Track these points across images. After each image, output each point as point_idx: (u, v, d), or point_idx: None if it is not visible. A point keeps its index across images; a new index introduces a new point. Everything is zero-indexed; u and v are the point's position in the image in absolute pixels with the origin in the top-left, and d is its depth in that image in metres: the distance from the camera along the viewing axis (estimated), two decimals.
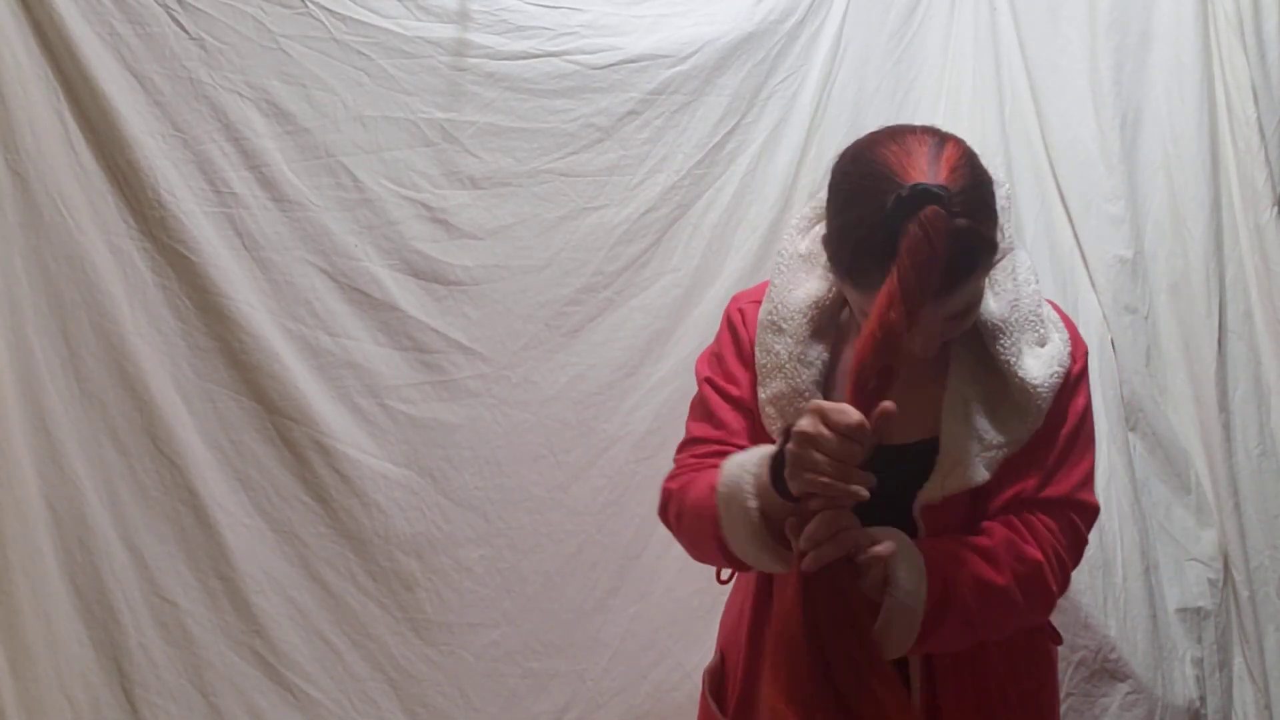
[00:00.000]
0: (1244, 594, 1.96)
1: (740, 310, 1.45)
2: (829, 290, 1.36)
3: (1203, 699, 1.93)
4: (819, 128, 1.97)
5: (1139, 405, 1.94)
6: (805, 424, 1.13)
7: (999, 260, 1.23)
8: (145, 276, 1.72)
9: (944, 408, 1.29)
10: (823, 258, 1.35)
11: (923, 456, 1.30)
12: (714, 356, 1.47)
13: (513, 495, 1.85)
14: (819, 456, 1.12)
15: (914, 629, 1.22)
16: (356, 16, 1.79)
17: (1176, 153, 2.02)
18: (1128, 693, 1.85)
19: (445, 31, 1.83)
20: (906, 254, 1.09)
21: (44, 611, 1.64)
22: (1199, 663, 1.94)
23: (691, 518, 1.36)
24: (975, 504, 1.31)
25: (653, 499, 1.88)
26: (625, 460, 1.89)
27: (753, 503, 1.24)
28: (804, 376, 1.32)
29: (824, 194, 1.28)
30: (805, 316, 1.35)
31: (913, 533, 1.29)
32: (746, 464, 1.27)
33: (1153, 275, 2.02)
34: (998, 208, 1.21)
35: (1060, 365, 1.30)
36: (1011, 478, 1.30)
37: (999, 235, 1.21)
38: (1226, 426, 1.98)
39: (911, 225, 1.09)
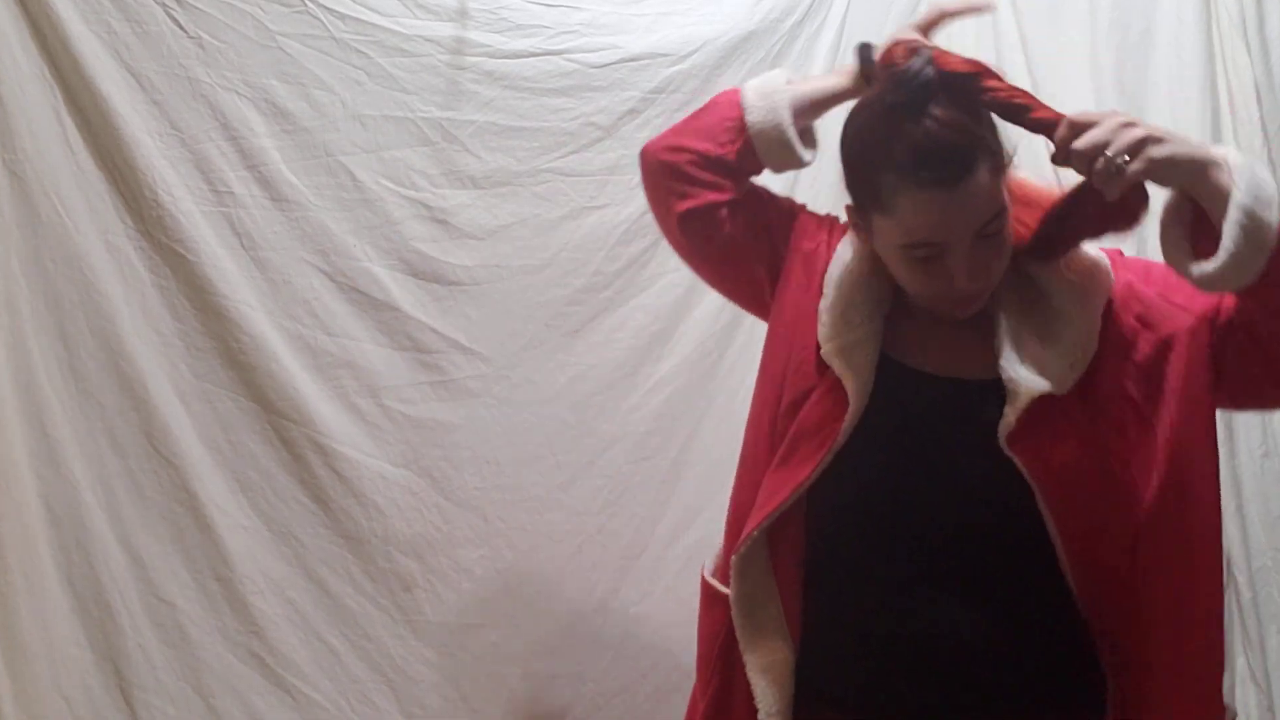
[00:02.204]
0: (1247, 596, 1.96)
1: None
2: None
3: None
4: (818, 128, 1.96)
5: None
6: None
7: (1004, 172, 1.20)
8: (143, 276, 1.72)
9: (999, 338, 1.25)
10: None
11: (991, 394, 1.23)
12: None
13: (512, 495, 1.85)
14: None
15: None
16: (355, 15, 1.79)
17: None
18: None
19: (445, 30, 1.83)
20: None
21: (41, 613, 1.63)
22: None
23: (696, 115, 1.37)
24: (1089, 430, 1.21)
25: (653, 499, 1.89)
26: (625, 460, 1.88)
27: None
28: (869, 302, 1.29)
29: None
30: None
31: (1011, 477, 1.19)
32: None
33: None
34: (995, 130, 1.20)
35: (1102, 269, 1.25)
36: (1115, 374, 1.22)
37: (997, 144, 1.19)
38: (1229, 428, 1.97)
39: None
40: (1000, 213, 1.18)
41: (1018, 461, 1.19)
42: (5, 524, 1.62)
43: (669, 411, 1.89)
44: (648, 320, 1.89)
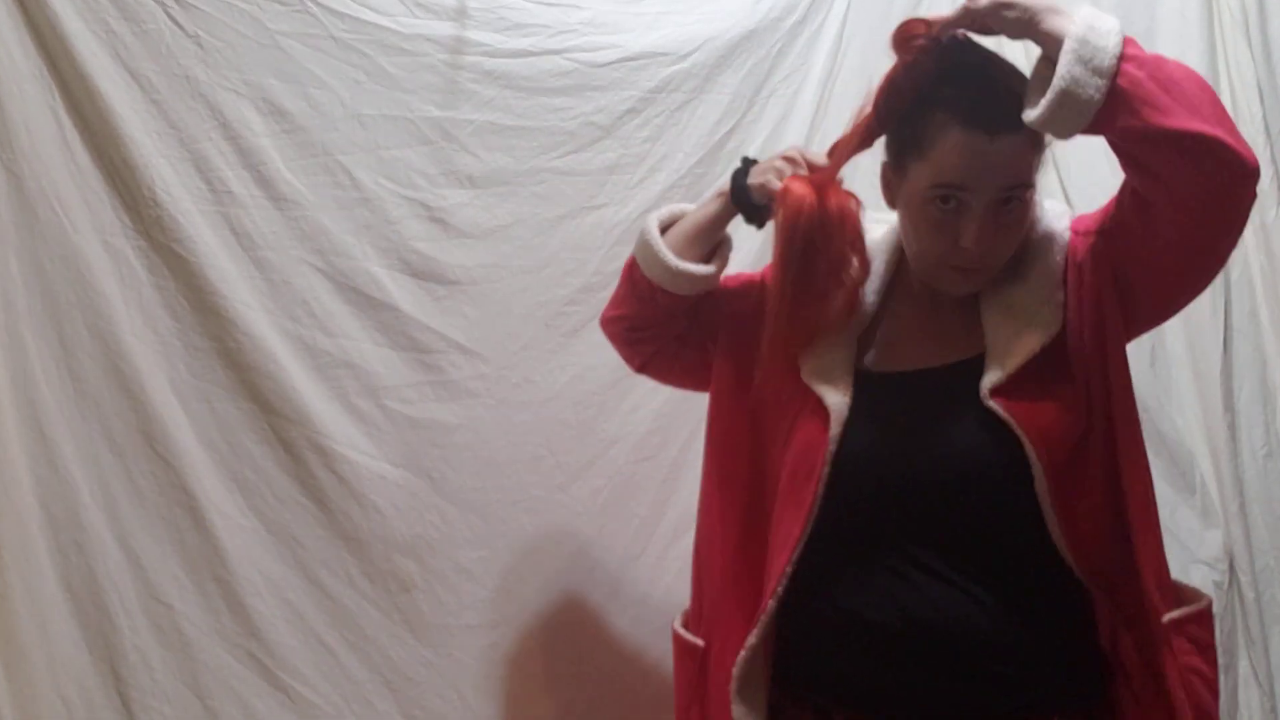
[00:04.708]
0: (1249, 596, 1.96)
1: None
2: (888, 257, 1.39)
3: None
4: (820, 127, 1.96)
5: (1143, 405, 1.91)
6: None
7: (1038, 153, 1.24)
8: (141, 276, 1.71)
9: (982, 310, 1.29)
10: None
11: (974, 366, 1.27)
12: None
13: (512, 496, 1.84)
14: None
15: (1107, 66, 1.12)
16: (354, 14, 1.78)
17: None
18: None
19: (444, 29, 1.82)
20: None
21: (39, 614, 1.63)
22: None
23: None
24: (1067, 385, 1.26)
25: (653, 499, 1.89)
26: (625, 460, 1.88)
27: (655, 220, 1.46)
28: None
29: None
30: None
31: (995, 429, 1.22)
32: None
33: None
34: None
35: (1066, 217, 1.32)
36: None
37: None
38: (1232, 427, 1.97)
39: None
40: (1026, 186, 1.22)
41: (1007, 417, 1.22)
42: (2, 525, 1.61)
43: (669, 411, 1.88)
44: None
